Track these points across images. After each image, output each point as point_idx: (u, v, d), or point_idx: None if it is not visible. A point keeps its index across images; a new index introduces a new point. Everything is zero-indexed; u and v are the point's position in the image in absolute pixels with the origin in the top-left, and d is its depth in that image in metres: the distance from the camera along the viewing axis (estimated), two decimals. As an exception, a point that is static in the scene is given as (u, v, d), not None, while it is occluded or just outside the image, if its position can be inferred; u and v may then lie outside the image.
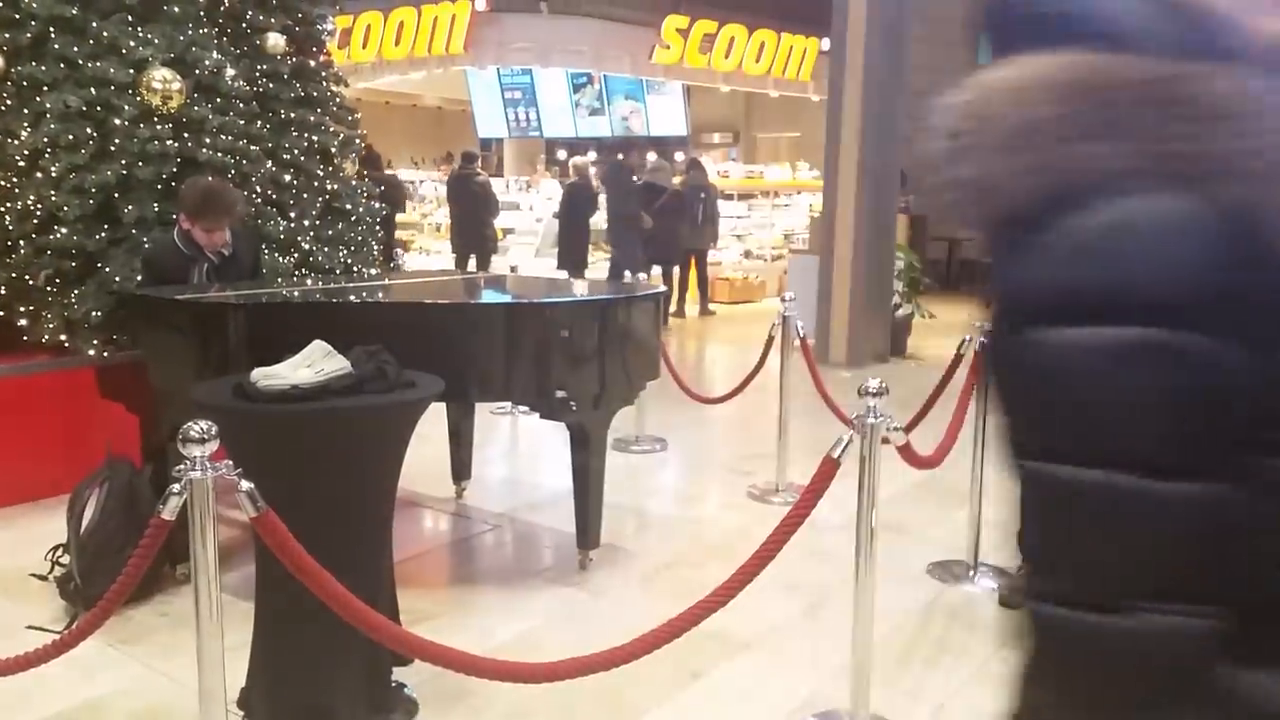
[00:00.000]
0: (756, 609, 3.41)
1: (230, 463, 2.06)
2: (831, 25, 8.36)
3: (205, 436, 2.00)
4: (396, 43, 12.61)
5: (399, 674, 2.86)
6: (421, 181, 15.48)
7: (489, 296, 4.37)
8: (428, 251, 12.57)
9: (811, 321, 8.64)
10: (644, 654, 2.23)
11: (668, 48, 12.88)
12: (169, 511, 2.03)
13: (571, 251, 10.62)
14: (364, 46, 12.90)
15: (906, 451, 2.82)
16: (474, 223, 10.63)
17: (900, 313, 8.94)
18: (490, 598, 3.59)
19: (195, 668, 2.10)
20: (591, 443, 3.68)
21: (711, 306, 11.34)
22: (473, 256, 10.71)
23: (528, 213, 12.42)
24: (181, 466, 2.01)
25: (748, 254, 13.41)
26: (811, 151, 15.08)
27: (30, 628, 3.21)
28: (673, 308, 10.88)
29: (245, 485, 2.06)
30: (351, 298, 4.04)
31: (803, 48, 14.20)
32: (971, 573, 3.79)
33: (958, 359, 3.85)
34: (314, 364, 2.60)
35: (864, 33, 8.08)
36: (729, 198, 14.12)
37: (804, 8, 13.10)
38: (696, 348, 9.74)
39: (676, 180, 10.90)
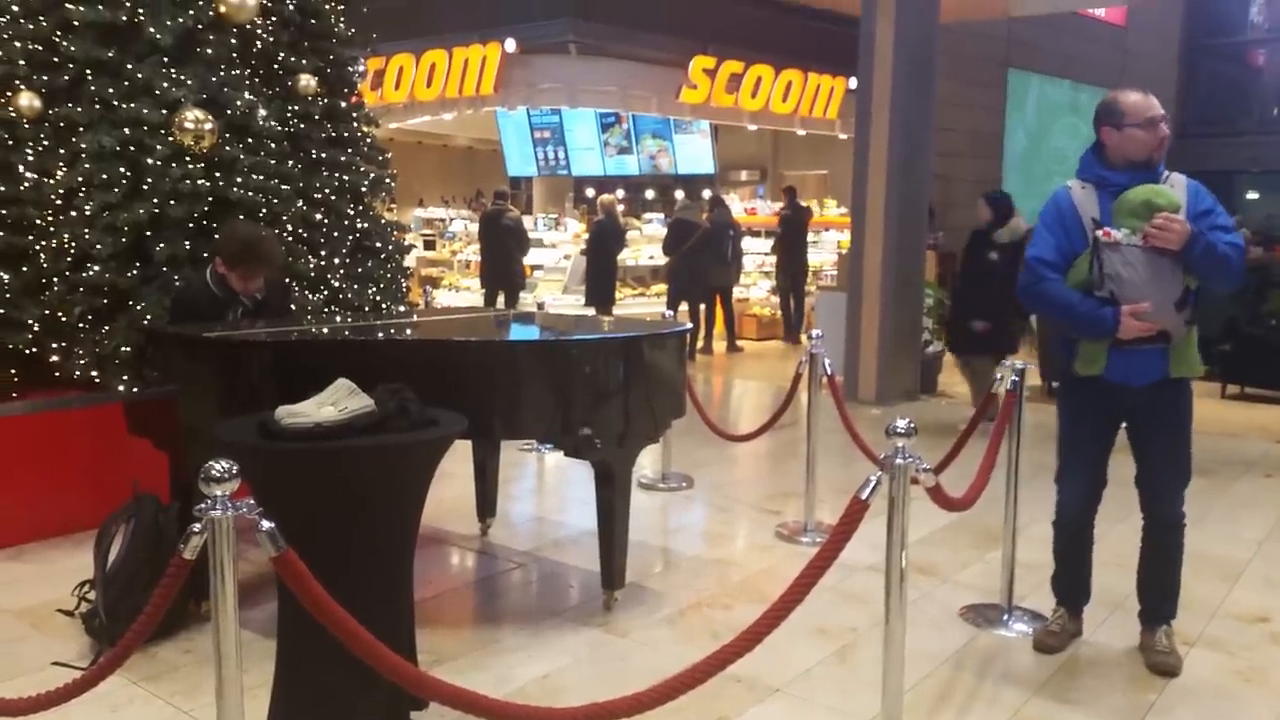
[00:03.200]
0: (785, 652, 3.36)
1: (251, 501, 2.04)
2: (858, 64, 8.37)
3: (225, 475, 1.99)
4: (428, 84, 12.78)
5: (418, 717, 2.82)
6: (451, 219, 15.62)
7: (514, 334, 4.36)
8: (457, 288, 12.64)
9: (840, 359, 8.59)
10: (669, 699, 2.19)
11: (695, 87, 12.95)
12: (190, 551, 2.02)
13: (599, 288, 10.66)
14: (396, 87, 13.08)
15: (937, 493, 2.76)
16: (504, 260, 10.69)
17: (930, 350, 8.87)
18: (513, 638, 3.55)
19: (217, 706, 2.08)
20: (616, 480, 3.65)
21: (739, 343, 11.30)
22: (501, 293, 10.77)
23: (553, 250, 12.48)
24: (203, 505, 2.00)
25: (775, 290, 13.37)
26: (839, 189, 15.08)
27: (55, 664, 3.22)
28: (699, 344, 10.87)
29: (266, 525, 2.04)
30: (378, 335, 4.05)
31: (829, 86, 14.24)
32: (1006, 617, 3.70)
33: (989, 398, 3.79)
34: (338, 402, 2.60)
35: (891, 71, 8.09)
36: (756, 234, 14.13)
37: (831, 48, 13.16)
38: (724, 384, 9.69)
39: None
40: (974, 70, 13.42)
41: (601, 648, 3.47)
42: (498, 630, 3.65)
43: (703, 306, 10.82)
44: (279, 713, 2.62)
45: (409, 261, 13.73)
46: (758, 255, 13.65)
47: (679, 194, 12.87)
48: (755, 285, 13.40)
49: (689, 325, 4.80)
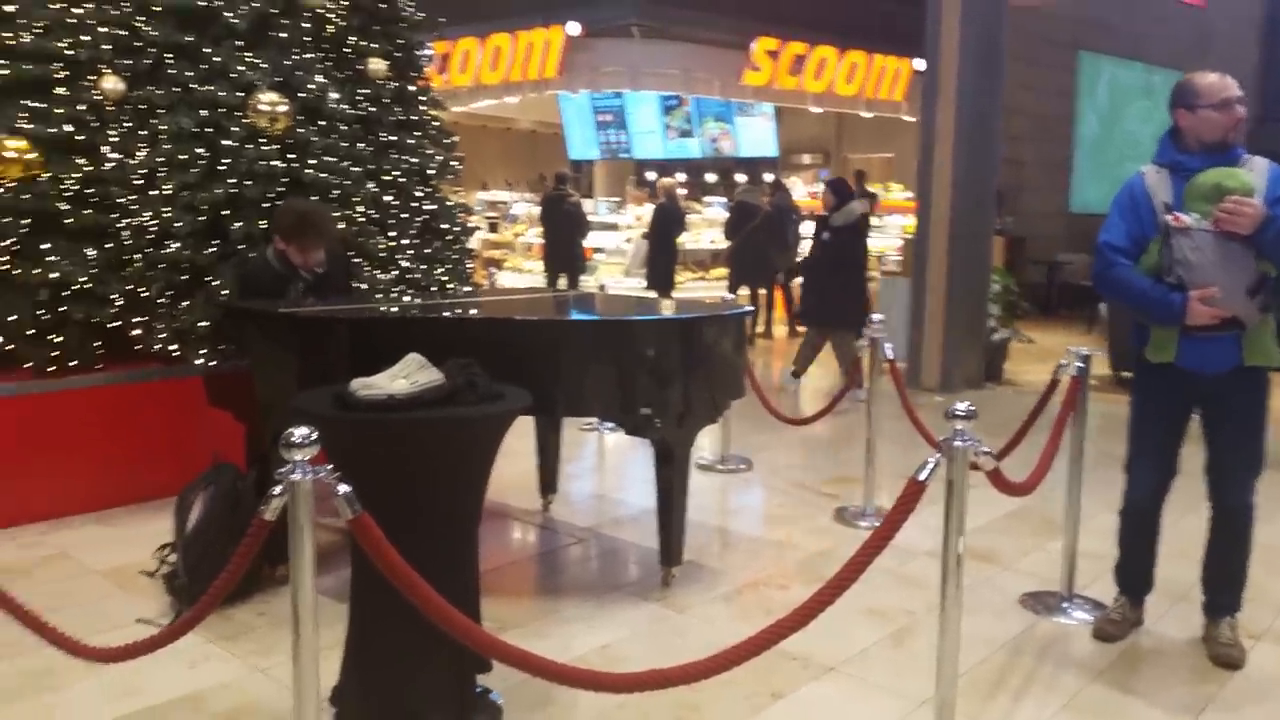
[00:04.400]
0: (842, 633, 3.39)
1: (330, 467, 2.13)
2: (925, 45, 8.27)
3: (305, 441, 2.08)
4: (493, 67, 12.90)
5: (484, 682, 2.90)
6: (514, 202, 15.76)
7: (577, 314, 4.42)
8: (519, 270, 12.78)
9: (903, 345, 8.52)
10: (720, 671, 2.23)
11: (757, 69, 12.89)
12: (271, 512, 2.12)
13: (659, 271, 10.69)
14: (462, 71, 13.24)
15: (996, 477, 2.76)
16: (565, 243, 10.80)
17: (996, 337, 8.75)
18: (573, 609, 3.63)
19: (291, 665, 2.18)
20: (675, 460, 3.70)
21: (799, 328, 11.26)
22: (563, 275, 10.87)
23: (615, 233, 12.54)
24: (283, 470, 2.09)
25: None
26: (905, 172, 14.90)
27: (139, 620, 3.38)
28: (759, 329, 10.86)
29: (343, 489, 2.13)
30: (446, 314, 4.14)
31: (895, 68, 14.07)
32: (1065, 605, 3.68)
33: (1053, 385, 3.76)
34: (410, 375, 2.68)
35: (958, 52, 7.97)
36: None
37: (897, 28, 12.99)
38: (784, 369, 9.68)
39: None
40: (1043, 52, 13.14)
41: (660, 622, 3.53)
42: (559, 602, 3.73)
43: (763, 291, 10.81)
44: (350, 672, 2.73)
45: (473, 244, 13.93)
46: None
47: (740, 177, 12.83)
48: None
49: (750, 307, 4.81)
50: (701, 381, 3.71)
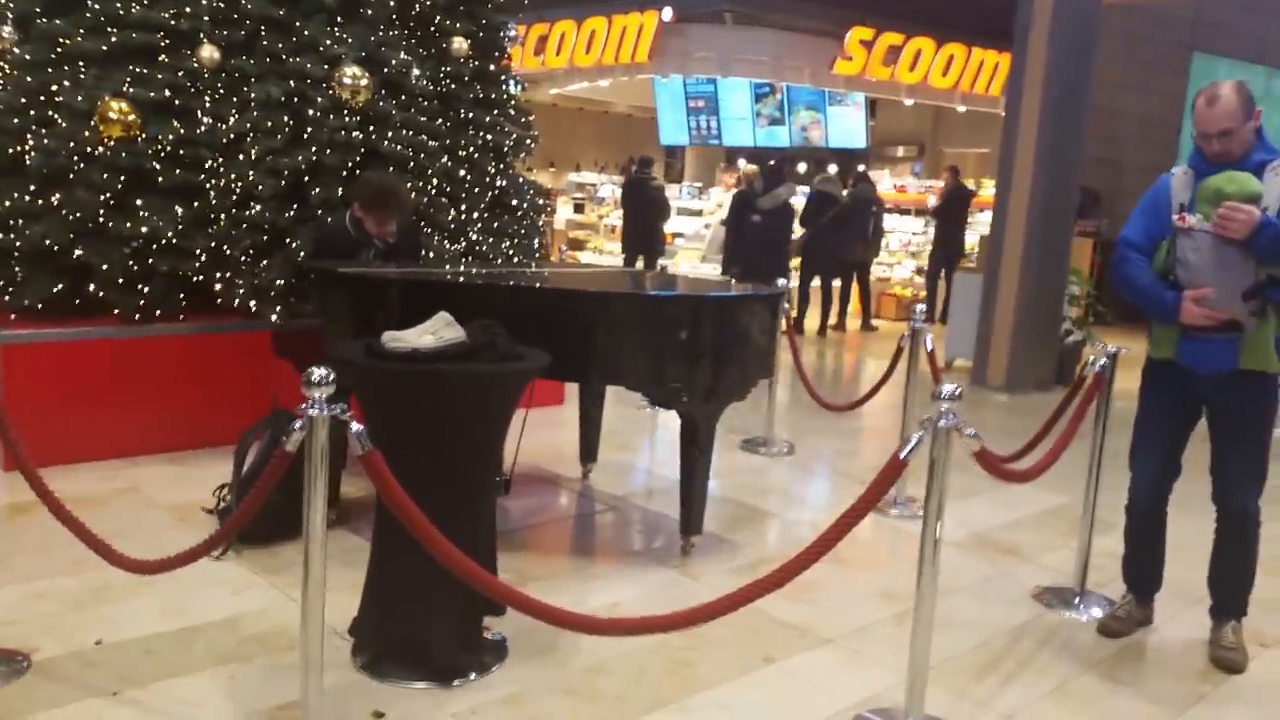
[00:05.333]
0: (849, 611, 3.51)
1: (343, 405, 2.35)
2: (1014, 40, 8.17)
3: (323, 381, 2.30)
4: (587, 50, 13.13)
5: (497, 626, 3.11)
6: (600, 184, 16.00)
7: (616, 287, 4.58)
8: (600, 251, 13.01)
9: (970, 342, 8.46)
10: (693, 624, 2.41)
11: (849, 59, 12.82)
12: (291, 444, 2.34)
13: (738, 257, 10.72)
14: (558, 53, 13.50)
15: (984, 458, 2.84)
16: (644, 226, 10.94)
17: (1070, 340, 8.62)
18: (593, 569, 3.82)
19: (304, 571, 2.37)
20: (700, 434, 3.84)
21: (874, 322, 11.22)
22: (641, 258, 11.03)
23: (696, 219, 12.67)
24: (301, 406, 2.31)
25: (920, 271, 13.16)
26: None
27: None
28: (832, 321, 10.86)
29: (356, 427, 2.35)
30: (488, 281, 4.33)
31: (994, 62, 13.81)
32: (1078, 600, 3.71)
33: (1079, 382, 3.77)
34: (437, 332, 2.90)
35: (1045, 47, 7.86)
36: (905, 212, 13.90)
37: (996, 22, 12.73)
38: (851, 360, 9.70)
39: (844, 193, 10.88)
40: (1154, 53, 12.75)
41: (672, 586, 3.68)
42: (580, 561, 3.93)
43: (837, 282, 10.78)
44: (368, 606, 2.96)
45: (559, 224, 14.18)
46: (904, 234, 13.44)
47: (832, 168, 12.77)
48: (900, 265, 13.22)
49: (782, 289, 4.91)
50: (730, 359, 3.84)
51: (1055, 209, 8.08)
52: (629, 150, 20.28)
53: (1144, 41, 12.29)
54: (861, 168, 12.57)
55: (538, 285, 4.22)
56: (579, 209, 15.00)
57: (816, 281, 10.62)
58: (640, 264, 10.95)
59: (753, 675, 3.04)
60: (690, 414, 3.82)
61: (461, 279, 4.07)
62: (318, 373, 2.32)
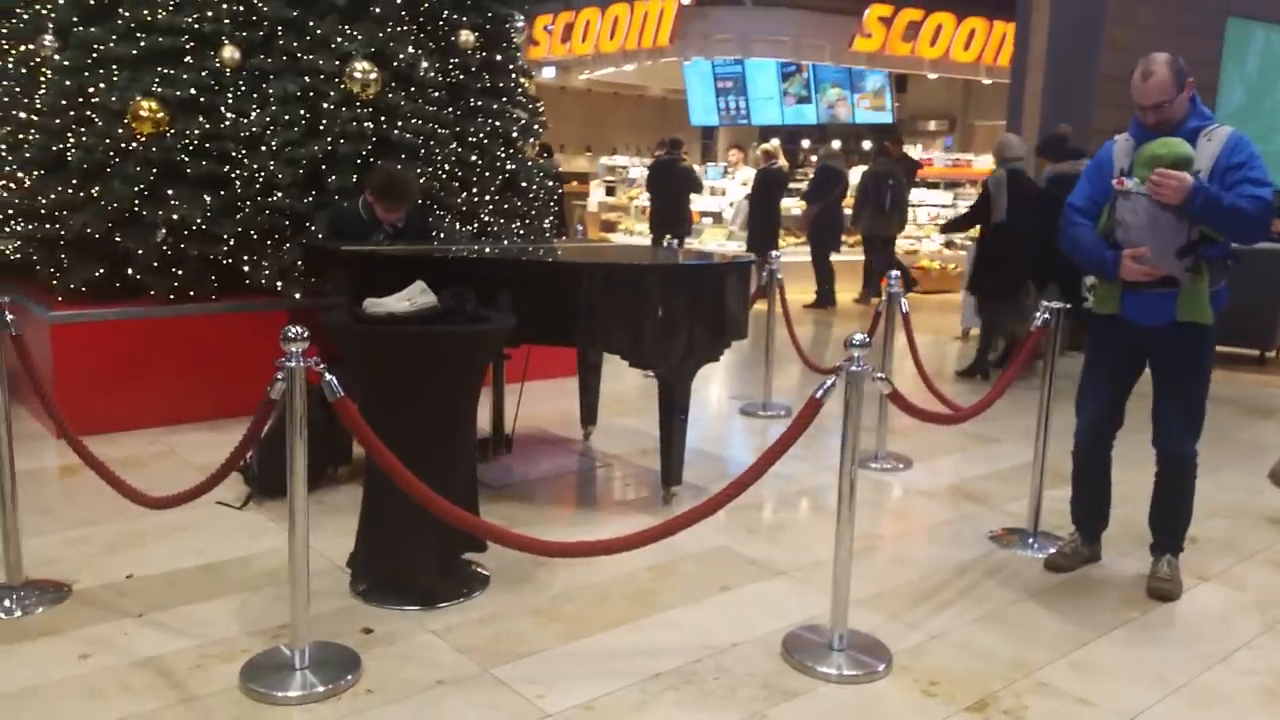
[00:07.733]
0: (808, 549, 3.81)
1: (317, 358, 2.70)
2: (1016, 14, 8.29)
3: (299, 336, 2.65)
4: (611, 36, 13.41)
5: (480, 560, 3.46)
6: (633, 166, 16.27)
7: (596, 259, 4.86)
8: (631, 232, 13.30)
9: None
10: (625, 550, 2.79)
11: (869, 36, 12.94)
12: (275, 393, 2.70)
13: (762, 234, 10.89)
14: (583, 40, 13.81)
15: (896, 398, 3.12)
16: (671, 206, 11.16)
17: (1086, 306, 8.71)
18: (576, 516, 4.17)
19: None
20: (675, 392, 4.15)
21: (873, 299, 11.37)
22: (668, 237, 11.29)
23: (723, 197, 12.89)
24: (280, 359, 2.67)
25: (950, 244, 13.24)
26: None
27: (218, 503, 4.09)
28: (857, 295, 11.06)
29: (328, 376, 2.70)
30: (476, 254, 4.66)
31: (1020, 35, 13.84)
32: (1031, 540, 3.95)
33: (1027, 336, 4.00)
34: (413, 299, 3.24)
35: (1048, 14, 7.98)
36: (934, 186, 13.97)
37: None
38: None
39: (863, 168, 11.03)
40: (1187, 19, 12.60)
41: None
42: (567, 510, 4.27)
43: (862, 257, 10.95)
44: (361, 542, 3.33)
45: (591, 206, 14.43)
46: (932, 208, 13.53)
47: (835, 143, 12.90)
48: (928, 238, 13.30)
49: (751, 259, 5.18)
50: (702, 324, 4.14)
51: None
52: (664, 133, 20.50)
53: (1176, 8, 12.17)
54: (870, 143, 12.68)
55: (523, 258, 4.54)
56: (610, 191, 15.31)
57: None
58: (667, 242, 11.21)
59: (707, 601, 3.35)
60: (665, 374, 4.12)
61: (449, 255, 4.41)
62: (294, 329, 2.67)
